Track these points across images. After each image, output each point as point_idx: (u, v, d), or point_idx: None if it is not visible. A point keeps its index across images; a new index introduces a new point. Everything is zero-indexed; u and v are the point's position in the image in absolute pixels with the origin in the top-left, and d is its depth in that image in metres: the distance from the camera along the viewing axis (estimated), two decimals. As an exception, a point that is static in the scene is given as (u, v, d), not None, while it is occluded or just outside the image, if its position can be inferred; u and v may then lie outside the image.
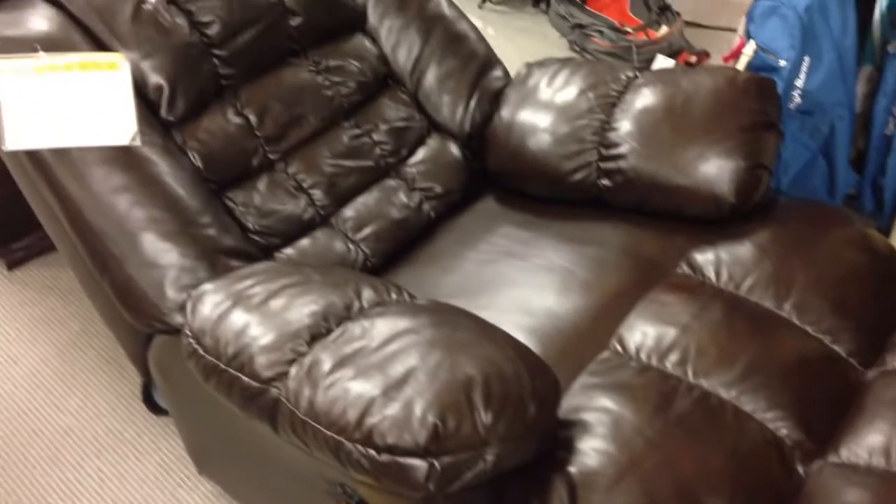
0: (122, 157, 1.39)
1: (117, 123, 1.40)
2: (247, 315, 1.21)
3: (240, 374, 1.17)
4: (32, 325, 2.02)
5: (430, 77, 1.78)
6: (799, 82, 2.11)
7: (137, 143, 1.40)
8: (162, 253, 1.35)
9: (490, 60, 1.85)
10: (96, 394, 1.88)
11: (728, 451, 1.18)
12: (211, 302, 1.25)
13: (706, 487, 1.12)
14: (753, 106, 1.61)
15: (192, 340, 1.24)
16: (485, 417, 1.04)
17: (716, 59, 3.19)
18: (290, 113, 1.60)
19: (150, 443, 1.79)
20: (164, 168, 1.42)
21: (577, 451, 1.15)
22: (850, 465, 1.19)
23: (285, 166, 1.59)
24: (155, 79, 1.46)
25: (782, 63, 2.10)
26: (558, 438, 1.18)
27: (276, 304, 1.22)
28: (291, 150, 1.61)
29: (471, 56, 1.82)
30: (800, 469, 1.21)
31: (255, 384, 1.15)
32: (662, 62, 3.03)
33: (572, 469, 1.13)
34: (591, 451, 1.15)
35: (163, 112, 1.47)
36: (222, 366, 1.19)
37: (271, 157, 1.58)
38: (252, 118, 1.56)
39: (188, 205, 1.40)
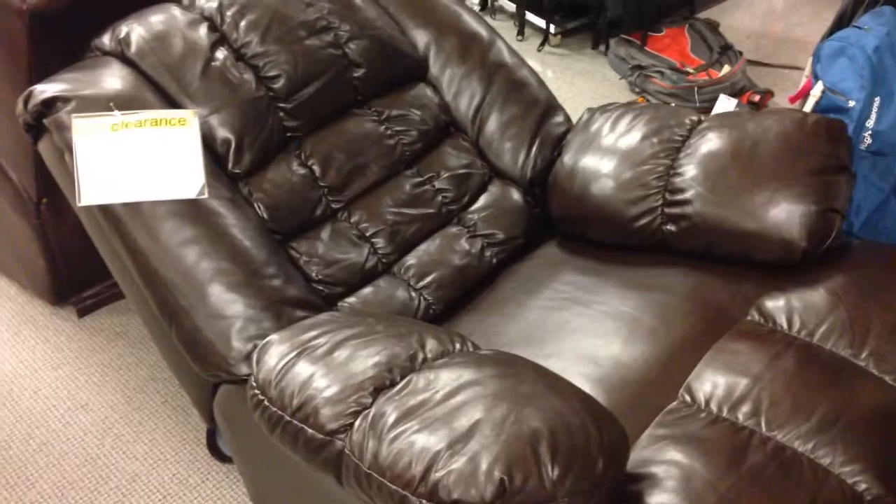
0: (190, 209, 1.42)
1: (187, 177, 1.44)
2: (311, 366, 1.21)
3: (304, 426, 1.17)
4: (102, 372, 2.06)
5: (492, 124, 1.79)
6: (870, 123, 2.07)
7: (205, 195, 1.43)
8: (228, 304, 1.37)
9: (551, 106, 1.85)
10: (163, 440, 1.90)
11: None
12: (276, 353, 1.26)
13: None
14: (823, 149, 1.57)
15: (257, 391, 1.25)
16: (552, 472, 1.02)
17: (780, 98, 3.15)
18: (352, 162, 1.62)
19: (213, 489, 1.79)
20: (230, 220, 1.44)
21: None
22: None
23: (348, 215, 1.61)
24: (223, 133, 1.50)
25: (852, 104, 2.07)
26: (626, 493, 1.15)
27: (341, 355, 1.22)
28: (354, 199, 1.62)
29: (532, 102, 1.83)
30: None
31: (319, 436, 1.15)
32: (725, 102, 2.99)
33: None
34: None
35: (230, 165, 1.51)
36: (287, 417, 1.19)
37: (334, 206, 1.60)
38: (316, 168, 1.59)
39: (254, 256, 1.42)
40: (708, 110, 3.07)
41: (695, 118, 1.72)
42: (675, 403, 1.30)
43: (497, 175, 1.78)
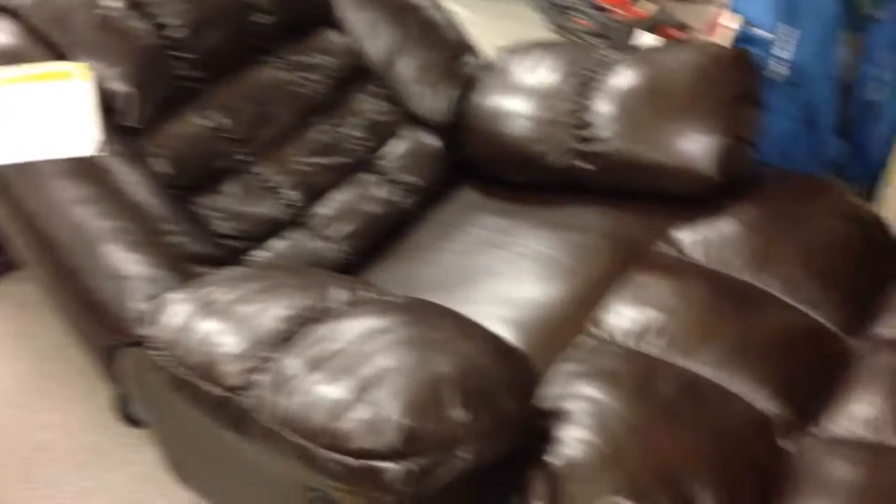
0: (84, 168, 1.34)
1: (80, 134, 1.36)
2: (212, 322, 1.17)
3: (207, 384, 1.13)
4: (4, 342, 1.98)
5: (404, 67, 1.73)
6: (784, 54, 2.06)
7: (103, 153, 1.35)
8: (125, 264, 1.30)
9: (465, 47, 1.80)
10: (72, 408, 1.83)
11: (712, 433, 1.14)
12: (174, 311, 1.21)
13: (690, 471, 1.09)
14: (734, 80, 1.57)
15: (156, 351, 1.20)
16: (459, 415, 1.00)
17: (698, 33, 3.15)
18: (260, 113, 1.55)
19: (128, 454, 1.74)
20: (127, 177, 1.37)
21: (557, 442, 1.11)
22: (838, 438, 1.16)
23: (256, 167, 1.54)
24: (119, 86, 1.41)
25: (767, 35, 2.06)
26: (538, 429, 1.14)
27: (242, 309, 1.18)
28: (262, 150, 1.55)
29: (445, 44, 1.78)
30: (786, 445, 1.17)
31: (221, 393, 1.11)
32: (644, 38, 2.98)
33: (553, 460, 1.09)
34: (572, 440, 1.11)
35: (128, 119, 1.42)
36: (188, 376, 1.15)
37: (241, 158, 1.53)
38: (221, 120, 1.51)
39: (153, 213, 1.35)
40: (628, 47, 3.05)
41: (608, 54, 1.69)
42: (585, 337, 1.30)
43: (412, 119, 1.73)
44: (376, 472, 0.98)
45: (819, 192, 1.57)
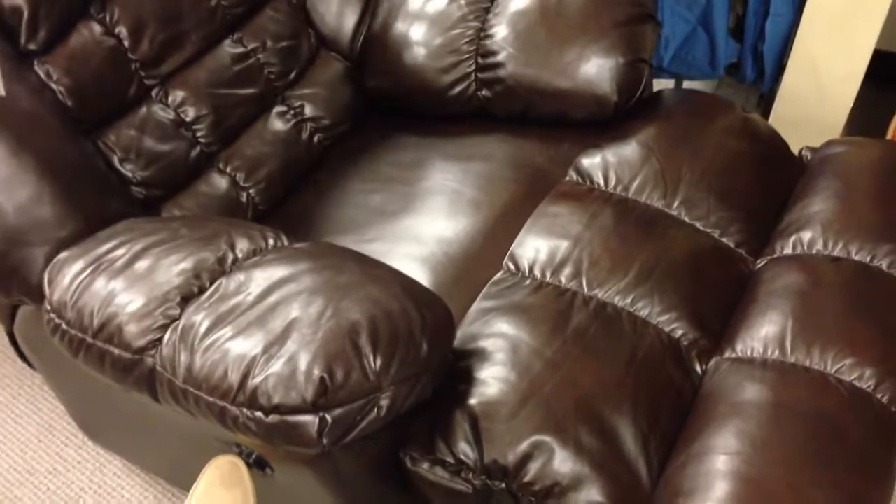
0: None
1: None
2: (111, 281, 1.11)
3: (109, 347, 1.08)
4: None
5: None
6: (673, -45, 2.05)
7: (1, 93, 1.20)
8: (30, 220, 1.18)
9: None
10: None
11: (627, 361, 1.16)
12: (70, 271, 1.14)
13: (608, 401, 1.11)
14: (629, -1, 1.55)
15: (53, 315, 1.14)
16: (374, 362, 0.99)
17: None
18: (168, 30, 1.41)
19: (27, 405, 1.68)
20: (32, 121, 1.23)
21: (476, 382, 1.12)
22: (746, 359, 1.19)
23: (165, 95, 1.42)
24: (11, 0, 1.25)
25: None
26: (457, 370, 1.14)
27: (142, 265, 1.12)
28: (170, 75, 1.43)
29: None
30: (698, 368, 1.21)
31: (127, 355, 1.07)
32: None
33: (473, 401, 1.10)
34: (491, 379, 1.11)
35: (23, 40, 1.27)
36: (89, 339, 1.10)
37: (148, 84, 1.40)
38: (124, 37, 1.37)
39: (65, 166, 1.23)
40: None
41: (503, -25, 1.65)
42: (500, 274, 1.29)
43: (323, 44, 1.66)
44: (292, 426, 0.96)
45: (716, 111, 1.57)
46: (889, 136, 2.04)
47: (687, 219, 1.36)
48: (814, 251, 1.33)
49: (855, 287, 1.25)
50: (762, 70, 2.13)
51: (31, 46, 1.28)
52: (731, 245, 1.36)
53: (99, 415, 1.47)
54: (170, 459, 1.43)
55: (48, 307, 1.15)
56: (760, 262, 1.35)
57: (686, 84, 2.44)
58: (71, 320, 1.12)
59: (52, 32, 1.30)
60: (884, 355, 1.16)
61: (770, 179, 1.47)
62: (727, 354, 1.21)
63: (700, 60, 2.18)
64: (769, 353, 1.18)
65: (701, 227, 1.36)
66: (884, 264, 1.29)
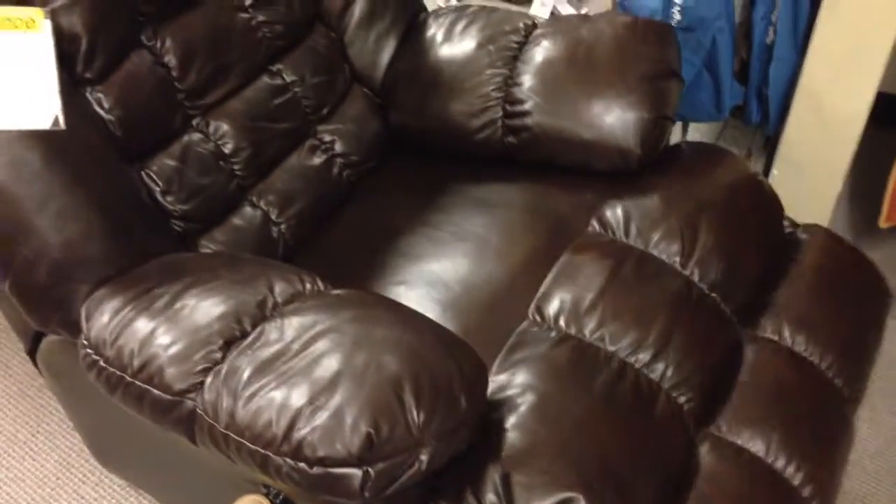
0: (40, 143, 1.17)
1: (36, 101, 1.16)
2: (151, 321, 1.12)
3: (149, 387, 1.09)
4: None
5: (357, 15, 1.66)
6: (677, -1, 2.09)
7: (61, 126, 1.17)
8: (72, 251, 1.18)
9: (420, 2, 1.75)
10: None
11: (645, 427, 1.19)
12: (110, 308, 1.15)
13: (630, 466, 1.13)
14: (654, 54, 1.58)
15: (90, 351, 1.15)
16: (417, 417, 1.00)
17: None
18: (215, 61, 1.43)
19: (46, 441, 1.69)
20: (87, 152, 1.23)
21: (506, 435, 1.13)
22: (729, 442, 1.25)
23: (206, 126, 1.43)
24: (71, 28, 1.23)
25: None
26: (487, 421, 1.16)
27: (183, 306, 1.13)
28: (212, 106, 1.45)
29: None
30: (696, 439, 1.24)
31: (167, 397, 1.08)
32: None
33: (502, 454, 1.11)
34: (521, 433, 1.13)
35: (79, 69, 1.27)
36: (129, 378, 1.11)
37: (191, 114, 1.42)
38: (174, 66, 1.38)
39: (115, 204, 1.23)
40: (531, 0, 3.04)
41: (529, 23, 1.68)
42: (525, 324, 1.31)
43: (356, 80, 1.68)
44: (337, 478, 0.98)
45: (730, 168, 1.61)
46: (892, 177, 2.09)
47: (697, 281, 1.40)
48: (795, 346, 1.39)
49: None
50: (767, 113, 2.17)
51: (88, 75, 1.28)
52: (728, 313, 1.40)
53: (117, 444, 1.48)
54: (190, 494, 1.43)
55: (85, 342, 1.16)
56: (747, 335, 1.40)
57: (692, 126, 2.49)
58: (110, 358, 1.13)
59: (109, 61, 1.30)
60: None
61: (767, 244, 1.52)
62: (716, 432, 1.26)
63: (705, 103, 2.23)
64: (750, 445, 1.24)
65: (708, 293, 1.39)
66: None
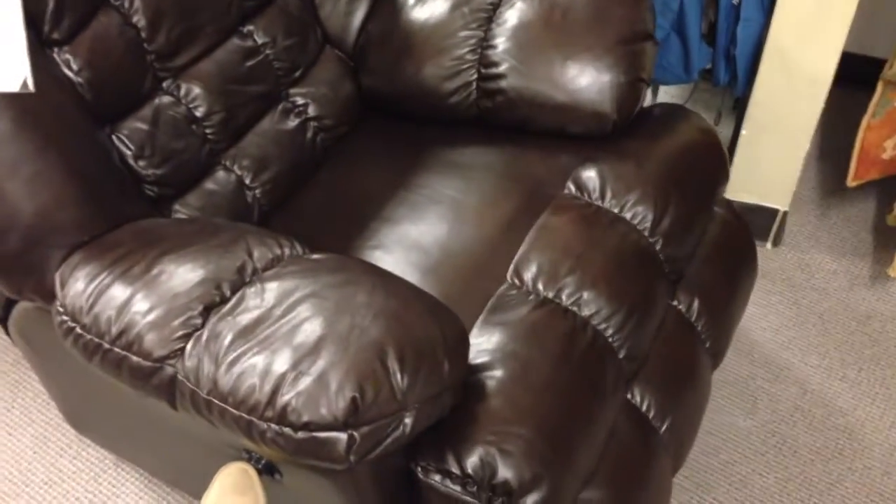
0: (10, 106, 1.14)
1: (3, 63, 1.12)
2: (128, 287, 1.10)
3: (128, 354, 1.08)
4: None
5: None
6: (645, -39, 2.09)
7: (30, 89, 1.13)
8: (44, 217, 1.16)
9: None
10: None
11: (602, 397, 1.24)
12: (85, 275, 1.13)
13: (584, 436, 1.19)
14: (630, 16, 1.57)
15: (66, 318, 1.13)
16: (401, 381, 1.01)
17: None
18: (185, 22, 1.39)
19: (21, 415, 1.67)
20: (58, 115, 1.20)
21: (488, 400, 1.14)
22: (635, 407, 1.35)
23: (177, 89, 1.40)
24: None
25: None
26: (468, 383, 1.17)
27: (160, 272, 1.12)
28: (183, 68, 1.42)
29: None
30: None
31: (146, 363, 1.07)
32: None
33: (485, 419, 1.13)
34: (503, 399, 1.14)
35: (46, 29, 1.23)
36: (107, 345, 1.09)
37: (161, 76, 1.38)
38: (143, 27, 1.34)
39: (89, 165, 1.21)
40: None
41: (501, -18, 1.67)
42: (504, 287, 1.32)
43: (328, 42, 1.66)
44: (322, 442, 0.98)
45: (694, 130, 1.63)
46: (859, 136, 2.12)
47: (658, 250, 1.42)
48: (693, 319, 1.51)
49: None
50: (735, 74, 2.19)
51: (55, 35, 1.25)
52: (671, 283, 1.47)
53: (93, 411, 1.46)
54: (170, 461, 1.43)
55: (60, 309, 1.14)
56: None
57: (662, 88, 2.50)
58: (87, 325, 1.11)
59: (76, 21, 1.26)
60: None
61: (707, 220, 1.59)
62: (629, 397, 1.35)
63: (674, 66, 2.23)
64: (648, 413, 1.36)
65: (664, 263, 1.43)
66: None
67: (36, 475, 1.60)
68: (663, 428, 1.35)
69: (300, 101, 1.59)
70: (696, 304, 1.49)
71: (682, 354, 1.45)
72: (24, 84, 1.14)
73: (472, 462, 1.10)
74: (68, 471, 1.60)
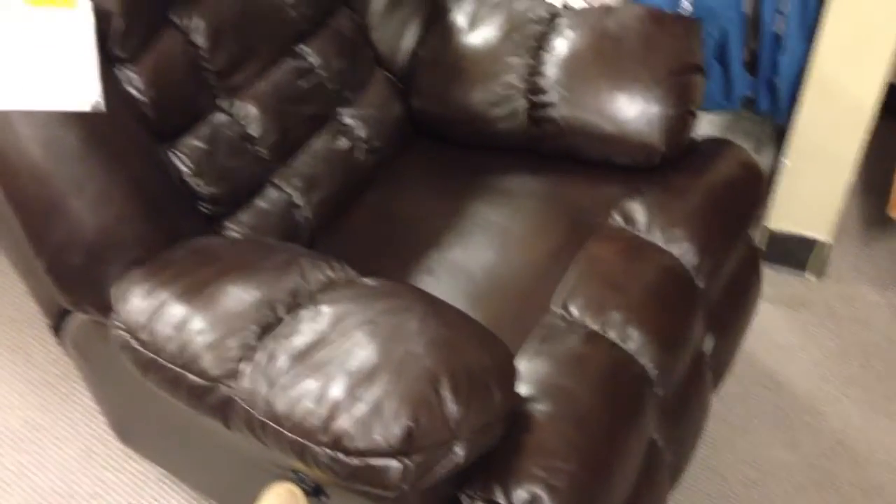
0: (80, 122, 1.17)
1: (77, 81, 1.14)
2: (185, 305, 1.12)
3: (185, 372, 1.09)
4: None
5: None
6: (688, -11, 2.09)
7: (102, 109, 1.16)
8: (103, 232, 1.19)
9: None
10: (5, 385, 1.76)
11: (641, 431, 1.25)
12: (143, 291, 1.15)
13: (624, 473, 1.20)
14: (681, 49, 1.59)
15: (124, 333, 1.15)
16: (454, 411, 1.01)
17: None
18: (243, 41, 1.41)
19: (68, 429, 1.69)
20: (124, 133, 1.22)
21: (536, 432, 1.14)
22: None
23: (233, 108, 1.42)
24: (103, 4, 1.20)
25: None
26: (517, 416, 1.18)
27: (216, 291, 1.13)
28: (239, 87, 1.44)
29: None
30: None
31: (202, 382, 1.09)
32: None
33: (533, 451, 1.13)
34: (553, 434, 1.14)
35: (113, 46, 1.24)
36: (163, 362, 1.11)
37: (218, 95, 1.41)
38: (203, 45, 1.36)
39: (151, 184, 1.24)
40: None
41: (552, 11, 1.68)
42: (549, 317, 1.32)
43: (379, 64, 1.68)
44: (375, 469, 0.98)
45: (739, 164, 1.63)
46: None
47: (701, 287, 1.43)
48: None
49: None
50: (778, 102, 2.19)
51: (121, 54, 1.27)
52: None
53: (141, 424, 1.48)
54: (216, 477, 1.44)
55: (118, 324, 1.16)
56: None
57: (702, 115, 2.50)
58: (144, 341, 1.13)
59: (141, 40, 1.29)
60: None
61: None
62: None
63: (715, 93, 2.24)
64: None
65: (703, 301, 1.44)
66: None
67: (81, 487, 1.62)
68: (667, 450, 1.37)
69: (350, 122, 1.61)
70: (709, 341, 1.51)
71: (691, 377, 1.44)
72: (97, 104, 1.16)
73: (519, 496, 1.10)
74: (112, 483, 1.63)
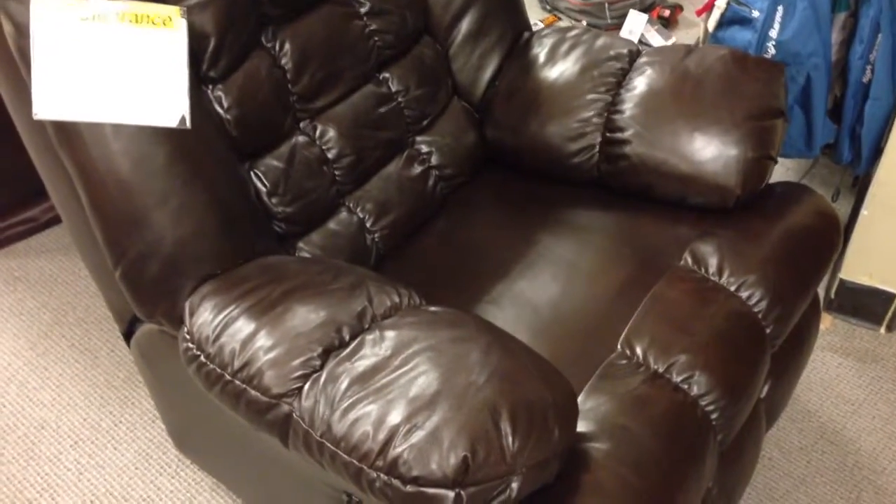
0: (167, 140, 1.20)
1: (167, 98, 1.18)
2: (253, 322, 1.14)
3: (248, 388, 1.11)
4: (2, 318, 1.93)
5: (464, 31, 1.68)
6: (773, 33, 2.06)
7: (186, 126, 1.20)
8: (181, 245, 1.22)
9: (526, 24, 1.76)
10: (70, 385, 1.81)
11: (702, 477, 1.22)
12: (213, 306, 1.18)
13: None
14: (763, 92, 1.56)
15: (192, 346, 1.18)
16: (512, 444, 1.01)
17: (688, 12, 3.14)
18: (327, 67, 1.45)
19: (127, 432, 1.73)
20: (207, 150, 1.25)
21: (593, 473, 1.13)
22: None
23: (313, 131, 1.46)
24: (203, 28, 1.25)
25: (755, 14, 2.05)
26: (575, 454, 1.16)
27: (284, 310, 1.15)
28: (321, 111, 1.47)
29: (511, 12, 1.73)
30: None
31: (264, 399, 1.10)
32: (636, 18, 2.96)
33: (589, 491, 1.11)
34: (610, 475, 1.12)
35: (204, 67, 1.28)
36: (228, 376, 1.13)
37: (300, 117, 1.44)
38: (289, 69, 1.40)
39: (230, 204, 1.27)
40: (618, 27, 3.04)
41: (633, 50, 1.68)
42: (614, 356, 1.31)
43: (457, 93, 1.70)
44: (429, 498, 0.98)
45: (817, 211, 1.59)
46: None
47: (769, 333, 1.40)
48: None
49: None
50: (859, 152, 2.14)
51: (212, 73, 1.30)
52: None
53: (200, 434, 1.50)
54: (268, 492, 1.45)
55: (188, 337, 1.19)
56: None
57: (781, 161, 2.45)
58: (211, 355, 1.15)
59: (232, 61, 1.32)
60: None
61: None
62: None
63: (796, 139, 2.20)
64: None
65: (770, 348, 1.40)
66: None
67: (136, 490, 1.65)
68: (720, 498, 1.36)
69: (425, 148, 1.62)
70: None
71: (747, 423, 1.41)
72: (182, 120, 1.20)
73: (573, 534, 1.09)
74: (166, 489, 1.65)
